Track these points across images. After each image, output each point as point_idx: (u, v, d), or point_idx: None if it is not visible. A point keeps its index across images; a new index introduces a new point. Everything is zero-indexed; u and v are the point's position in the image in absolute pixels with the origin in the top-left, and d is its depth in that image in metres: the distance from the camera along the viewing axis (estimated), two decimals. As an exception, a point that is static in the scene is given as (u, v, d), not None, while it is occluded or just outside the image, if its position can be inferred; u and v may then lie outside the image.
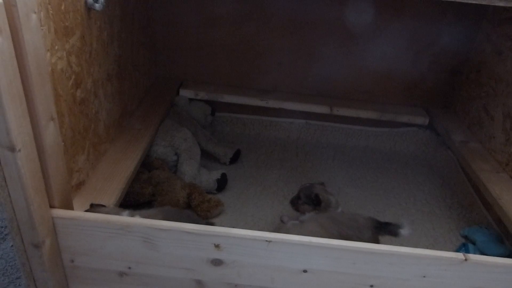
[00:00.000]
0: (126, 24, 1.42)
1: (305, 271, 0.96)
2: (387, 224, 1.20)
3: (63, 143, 0.99)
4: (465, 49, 1.81)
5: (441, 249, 1.34)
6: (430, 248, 1.34)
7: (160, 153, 1.54)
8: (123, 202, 1.24)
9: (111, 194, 1.16)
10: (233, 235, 0.92)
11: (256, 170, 1.71)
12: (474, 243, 1.38)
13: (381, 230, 1.19)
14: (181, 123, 1.67)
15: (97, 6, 1.10)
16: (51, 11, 0.91)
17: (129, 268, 0.99)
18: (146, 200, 1.40)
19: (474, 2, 1.10)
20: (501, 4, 1.11)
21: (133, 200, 1.37)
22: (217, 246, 0.94)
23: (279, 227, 1.31)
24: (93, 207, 1.04)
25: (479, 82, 1.71)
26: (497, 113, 1.56)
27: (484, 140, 1.63)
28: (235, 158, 1.73)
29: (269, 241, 0.92)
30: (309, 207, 1.26)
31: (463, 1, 1.10)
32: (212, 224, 1.37)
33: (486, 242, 1.35)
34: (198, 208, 1.40)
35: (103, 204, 1.07)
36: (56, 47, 0.95)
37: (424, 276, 0.94)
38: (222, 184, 1.54)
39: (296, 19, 1.78)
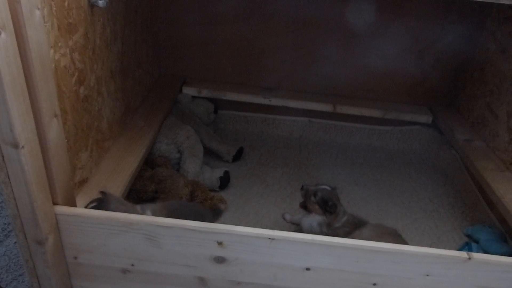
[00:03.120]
0: (130, 21, 1.42)
1: (308, 269, 0.96)
2: None
3: (66, 140, 0.99)
4: (469, 47, 1.80)
5: (444, 248, 1.34)
6: (433, 247, 1.34)
7: (163, 151, 1.54)
8: (125, 199, 1.24)
9: (114, 191, 1.16)
10: (236, 233, 0.92)
11: (258, 168, 1.71)
12: (477, 242, 1.37)
13: None
14: (184, 120, 1.67)
15: (101, 3, 1.09)
16: (54, 8, 0.91)
17: (132, 265, 0.99)
18: (149, 198, 1.40)
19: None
20: (506, 2, 1.10)
21: (136, 197, 1.37)
22: (220, 243, 0.94)
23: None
24: (106, 198, 1.03)
25: (483, 81, 1.71)
26: (501, 112, 1.55)
27: (488, 139, 1.63)
28: (238, 156, 1.72)
29: (272, 239, 0.92)
30: (318, 209, 1.23)
31: (468, -1, 1.10)
32: (219, 209, 1.38)
33: (490, 241, 1.34)
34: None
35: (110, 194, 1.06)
36: (60, 44, 0.94)
37: (427, 275, 0.94)
38: (224, 182, 1.54)
39: (299, 16, 1.77)
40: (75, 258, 1.00)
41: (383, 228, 1.26)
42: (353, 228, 1.25)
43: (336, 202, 1.25)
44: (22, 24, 0.73)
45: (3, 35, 0.70)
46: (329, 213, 1.22)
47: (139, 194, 1.38)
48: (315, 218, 1.25)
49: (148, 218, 0.95)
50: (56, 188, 0.92)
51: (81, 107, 1.09)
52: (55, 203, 0.93)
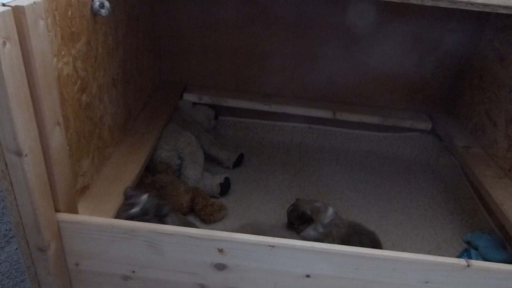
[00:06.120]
0: (131, 29, 1.43)
1: (308, 276, 0.96)
2: None
3: (68, 147, 1.00)
4: (468, 54, 1.81)
5: (443, 254, 1.35)
6: (433, 253, 1.35)
7: (164, 157, 1.55)
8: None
9: (116, 197, 1.17)
10: (236, 240, 0.93)
11: (259, 174, 1.71)
12: (476, 249, 1.38)
13: None
14: (185, 127, 1.68)
15: (103, 11, 1.11)
16: (58, 17, 0.92)
17: (133, 272, 1.00)
18: (150, 204, 1.41)
19: (477, 9, 1.11)
20: (504, 11, 1.11)
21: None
22: (220, 250, 0.94)
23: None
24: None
25: (482, 88, 1.72)
26: (500, 119, 1.56)
27: (487, 146, 1.64)
28: (238, 162, 1.73)
29: (272, 246, 0.93)
30: (306, 224, 1.30)
31: (466, 8, 1.11)
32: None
33: (489, 247, 1.35)
34: (201, 212, 1.40)
35: None
36: (63, 53, 0.96)
37: (426, 282, 0.95)
38: (225, 188, 1.54)
39: (299, 23, 1.79)
40: (77, 264, 1.00)
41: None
42: (350, 230, 1.28)
43: (304, 207, 1.31)
44: (27, 35, 0.74)
45: (8, 45, 0.71)
46: (310, 220, 1.29)
47: (140, 201, 1.38)
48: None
49: (150, 225, 0.95)
50: (58, 195, 0.92)
51: (83, 115, 1.10)
52: (57, 210, 0.94)
